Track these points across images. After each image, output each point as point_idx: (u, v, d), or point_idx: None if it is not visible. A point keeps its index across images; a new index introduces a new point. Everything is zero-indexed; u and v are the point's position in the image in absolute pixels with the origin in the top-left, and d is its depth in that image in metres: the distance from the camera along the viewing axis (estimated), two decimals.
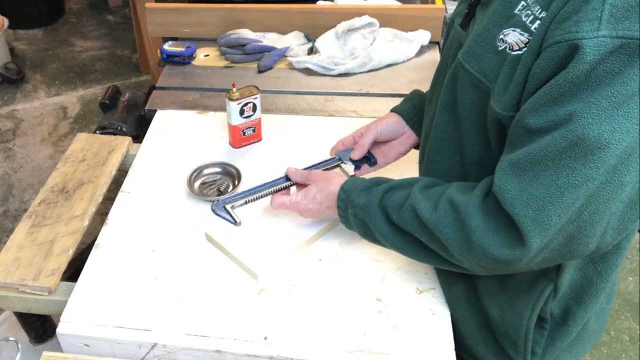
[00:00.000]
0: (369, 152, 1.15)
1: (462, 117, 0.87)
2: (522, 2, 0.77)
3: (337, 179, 1.01)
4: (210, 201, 1.19)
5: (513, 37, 0.76)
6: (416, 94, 1.18)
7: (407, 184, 0.91)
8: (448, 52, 0.94)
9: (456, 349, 0.94)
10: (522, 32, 0.75)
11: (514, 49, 0.76)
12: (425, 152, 1.00)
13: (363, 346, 0.94)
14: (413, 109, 1.14)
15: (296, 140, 1.38)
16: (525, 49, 0.74)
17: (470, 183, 0.86)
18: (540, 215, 0.72)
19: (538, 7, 0.73)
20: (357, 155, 1.13)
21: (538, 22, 0.73)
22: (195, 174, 1.25)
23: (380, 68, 1.68)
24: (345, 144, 1.16)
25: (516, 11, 0.77)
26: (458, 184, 0.86)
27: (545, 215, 0.72)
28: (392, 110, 1.17)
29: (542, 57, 0.71)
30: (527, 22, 0.75)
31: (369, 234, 0.95)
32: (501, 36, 0.78)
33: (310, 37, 1.77)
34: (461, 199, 0.81)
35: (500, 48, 0.78)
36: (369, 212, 0.91)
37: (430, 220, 0.83)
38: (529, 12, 0.75)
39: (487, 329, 0.97)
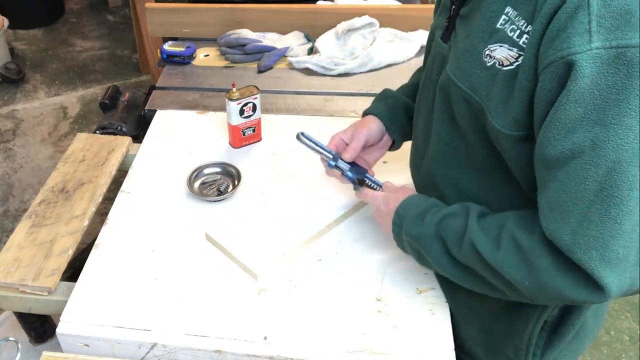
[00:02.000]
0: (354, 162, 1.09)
1: (464, 130, 0.86)
2: (503, 17, 0.75)
3: (401, 195, 0.95)
4: (210, 201, 1.20)
5: (502, 53, 0.75)
6: (390, 93, 1.14)
7: (462, 211, 0.85)
8: (432, 65, 0.93)
9: (455, 349, 0.94)
10: (510, 48, 0.74)
11: (505, 64, 0.75)
12: (424, 165, 0.97)
13: (363, 346, 0.94)
14: (389, 111, 1.10)
15: (296, 140, 1.37)
16: (517, 63, 0.73)
17: (529, 213, 0.78)
18: (605, 253, 0.66)
19: (523, 21, 0.72)
20: (349, 156, 1.06)
21: (526, 36, 0.71)
22: (195, 174, 1.25)
23: (380, 68, 1.68)
24: (338, 146, 1.09)
25: (499, 26, 0.75)
26: (516, 216, 0.79)
27: (611, 250, 0.66)
28: (370, 113, 1.11)
29: (543, 80, 0.68)
30: (514, 37, 0.73)
31: (425, 262, 0.90)
32: (487, 52, 0.77)
33: (310, 37, 1.77)
34: (526, 238, 0.74)
35: (488, 64, 0.77)
36: (423, 244, 0.86)
37: (493, 260, 0.76)
38: (513, 26, 0.73)
39: (488, 332, 0.97)
